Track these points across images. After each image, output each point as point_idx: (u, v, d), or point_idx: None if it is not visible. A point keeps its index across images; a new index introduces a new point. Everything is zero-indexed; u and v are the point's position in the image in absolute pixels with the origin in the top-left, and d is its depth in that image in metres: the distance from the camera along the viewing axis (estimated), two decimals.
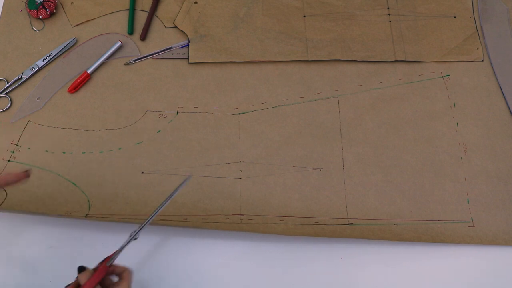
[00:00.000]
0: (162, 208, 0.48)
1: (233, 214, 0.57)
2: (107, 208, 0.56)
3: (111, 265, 0.45)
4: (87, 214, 0.55)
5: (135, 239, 0.47)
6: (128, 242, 0.47)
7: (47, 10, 0.66)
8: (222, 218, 0.56)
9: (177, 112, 0.62)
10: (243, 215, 0.57)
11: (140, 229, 0.47)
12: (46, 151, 0.60)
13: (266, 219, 0.56)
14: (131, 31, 0.67)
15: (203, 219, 0.56)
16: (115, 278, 0.46)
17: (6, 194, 0.56)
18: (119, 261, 0.46)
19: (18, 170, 0.49)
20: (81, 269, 0.44)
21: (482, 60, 0.67)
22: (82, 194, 0.57)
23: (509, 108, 0.64)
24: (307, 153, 0.61)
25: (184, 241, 0.57)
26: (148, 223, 0.48)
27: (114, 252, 0.46)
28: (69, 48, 0.66)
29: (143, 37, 0.66)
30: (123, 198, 0.57)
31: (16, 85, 0.63)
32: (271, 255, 0.56)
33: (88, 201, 0.57)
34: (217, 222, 0.56)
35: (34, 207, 0.55)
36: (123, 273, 0.45)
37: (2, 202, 0.56)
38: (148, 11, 0.68)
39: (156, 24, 0.68)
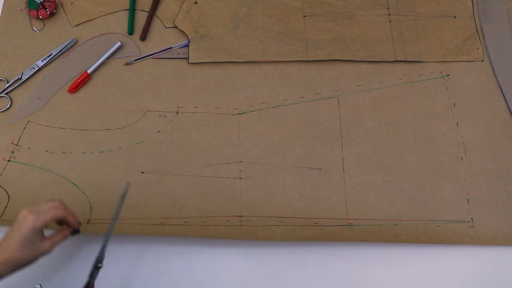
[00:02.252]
0: (112, 228, 0.48)
1: (233, 216, 0.57)
2: (108, 210, 0.56)
3: None
4: (88, 220, 0.55)
5: (100, 268, 0.47)
6: (96, 274, 0.46)
7: (47, 10, 0.66)
8: (222, 220, 0.56)
9: (177, 112, 0.62)
10: (242, 216, 0.57)
11: (102, 258, 0.46)
12: (46, 151, 0.60)
13: (266, 220, 0.56)
14: (131, 31, 0.67)
15: (203, 222, 0.56)
16: None
17: (9, 196, 0.56)
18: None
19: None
20: None
21: (482, 60, 0.67)
22: (83, 195, 0.57)
23: (509, 108, 0.64)
24: (307, 153, 0.61)
25: (184, 239, 0.56)
26: (105, 248, 0.47)
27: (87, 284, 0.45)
28: (69, 48, 0.66)
29: (143, 37, 0.66)
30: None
31: (16, 85, 0.63)
32: (270, 254, 0.56)
33: (89, 203, 0.56)
34: (216, 225, 0.56)
35: None
36: None
37: (5, 207, 0.56)
38: (148, 11, 0.68)
39: (156, 24, 0.68)
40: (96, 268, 0.47)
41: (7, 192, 0.57)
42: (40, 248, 0.44)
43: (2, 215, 0.55)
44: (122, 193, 0.49)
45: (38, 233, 0.44)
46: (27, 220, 0.43)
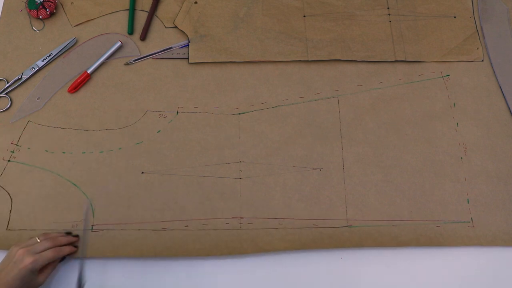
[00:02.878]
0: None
1: (232, 218, 0.57)
2: (110, 212, 0.56)
3: None
4: (92, 226, 0.55)
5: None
6: None
7: (47, 10, 0.66)
8: (222, 222, 0.56)
9: (177, 112, 0.62)
10: (242, 218, 0.57)
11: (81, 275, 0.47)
12: (46, 151, 0.60)
13: (265, 223, 0.56)
14: (131, 31, 0.67)
15: (203, 225, 0.56)
16: None
17: (11, 198, 0.56)
18: None
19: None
20: None
21: (482, 60, 0.67)
22: (83, 196, 0.57)
23: (509, 108, 0.64)
24: (307, 153, 0.61)
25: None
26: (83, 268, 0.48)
27: None
28: (69, 48, 0.66)
29: (143, 37, 0.66)
30: (124, 200, 0.57)
31: (16, 85, 0.63)
32: (270, 254, 0.56)
33: (91, 204, 0.56)
34: (217, 229, 0.56)
35: (40, 216, 0.56)
36: None
37: (10, 211, 0.56)
38: (148, 11, 0.68)
39: (156, 24, 0.68)
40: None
41: (9, 194, 0.57)
42: (35, 283, 0.48)
43: (8, 222, 0.55)
44: (85, 212, 0.53)
45: (35, 272, 0.47)
46: (26, 262, 0.46)
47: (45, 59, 0.64)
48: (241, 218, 0.57)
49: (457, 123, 0.63)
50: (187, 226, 0.56)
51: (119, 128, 0.61)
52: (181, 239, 0.55)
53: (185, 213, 0.57)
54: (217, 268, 0.55)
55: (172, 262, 0.55)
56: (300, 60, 0.66)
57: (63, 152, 0.60)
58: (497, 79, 0.66)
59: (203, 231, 0.56)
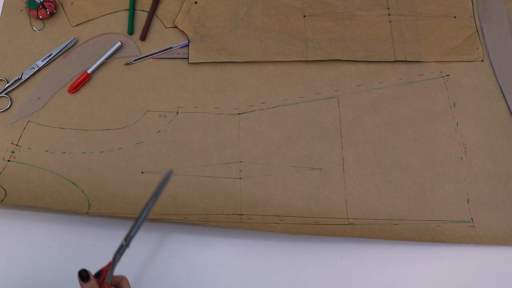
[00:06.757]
0: (148, 210, 0.45)
1: (233, 214, 0.57)
2: (106, 207, 0.56)
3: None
4: (87, 212, 0.55)
5: (128, 247, 0.45)
6: (121, 252, 0.44)
7: (47, 10, 0.66)
8: (222, 217, 0.56)
9: (177, 112, 0.62)
10: (243, 214, 0.57)
11: (131, 238, 0.44)
12: (46, 151, 0.60)
13: (266, 218, 0.56)
14: (131, 31, 0.67)
15: (203, 218, 0.56)
16: None
17: (6, 193, 0.56)
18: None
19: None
20: (83, 274, 0.42)
21: (482, 60, 0.67)
22: (82, 194, 0.57)
23: (509, 108, 0.64)
24: (307, 153, 0.61)
25: (184, 239, 0.57)
26: (137, 230, 0.45)
27: (109, 264, 0.44)
28: (69, 48, 0.66)
29: (143, 37, 0.66)
30: (123, 198, 0.57)
31: (16, 85, 0.63)
32: (271, 254, 0.56)
33: (88, 200, 0.57)
34: (217, 221, 0.56)
35: (34, 205, 0.55)
36: (121, 283, 0.45)
37: (1, 200, 0.56)
38: (148, 11, 0.68)
39: (156, 24, 0.68)
40: (124, 249, 0.45)
41: (5, 190, 0.57)
42: None
43: None
44: (165, 178, 0.47)
45: None
46: None
47: (45, 59, 0.64)
48: (241, 214, 0.57)
49: (457, 123, 0.63)
50: (185, 218, 0.56)
51: (119, 128, 0.61)
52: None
53: (184, 209, 0.57)
54: (216, 260, 0.55)
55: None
56: (300, 60, 0.66)
57: (63, 152, 0.60)
58: (497, 79, 0.66)
59: (203, 221, 0.55)
